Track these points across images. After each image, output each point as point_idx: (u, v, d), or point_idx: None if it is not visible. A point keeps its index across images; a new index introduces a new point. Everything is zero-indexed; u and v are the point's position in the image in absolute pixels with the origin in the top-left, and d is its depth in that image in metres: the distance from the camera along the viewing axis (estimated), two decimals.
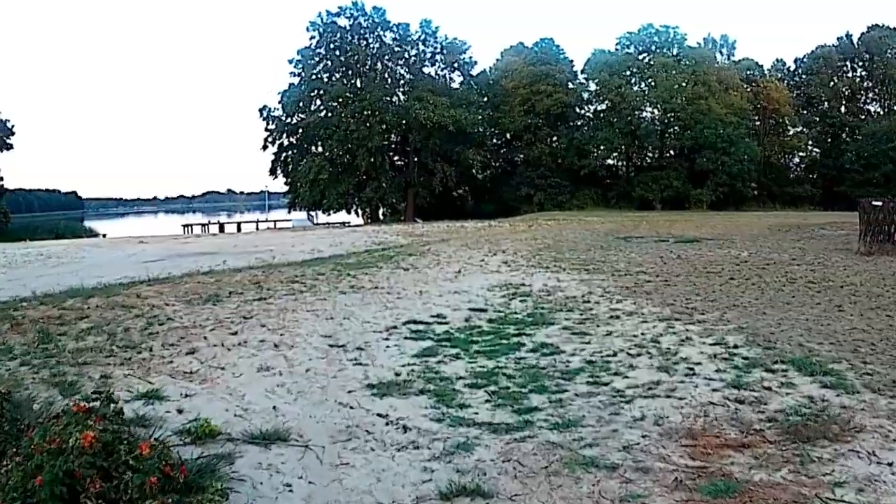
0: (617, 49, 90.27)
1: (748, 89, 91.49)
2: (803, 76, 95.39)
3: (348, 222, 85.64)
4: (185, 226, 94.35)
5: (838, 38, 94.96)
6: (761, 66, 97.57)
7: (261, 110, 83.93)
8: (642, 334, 13.00)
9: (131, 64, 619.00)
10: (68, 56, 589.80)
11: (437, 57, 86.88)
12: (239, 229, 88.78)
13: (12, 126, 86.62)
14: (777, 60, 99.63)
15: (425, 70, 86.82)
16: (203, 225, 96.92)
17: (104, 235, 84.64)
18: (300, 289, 19.31)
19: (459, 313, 15.73)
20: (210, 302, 17.31)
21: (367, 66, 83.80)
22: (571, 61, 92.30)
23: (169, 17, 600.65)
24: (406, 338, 13.32)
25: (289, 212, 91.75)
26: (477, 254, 28.33)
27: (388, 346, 12.64)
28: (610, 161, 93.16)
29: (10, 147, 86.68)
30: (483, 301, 17.34)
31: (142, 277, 22.06)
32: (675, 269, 22.57)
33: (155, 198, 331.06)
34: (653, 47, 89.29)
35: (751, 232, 39.25)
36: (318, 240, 44.01)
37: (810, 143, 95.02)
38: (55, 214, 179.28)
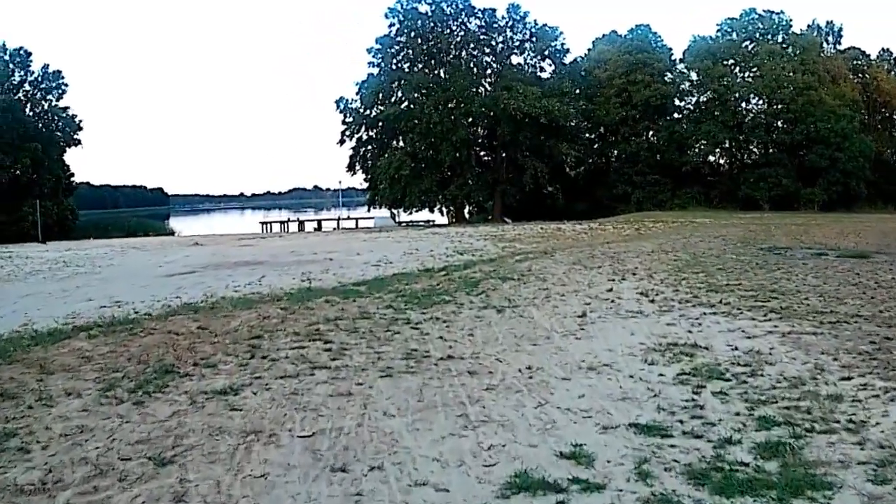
0: (718, 35, 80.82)
1: (856, 80, 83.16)
2: None
3: (433, 221, 79.29)
4: (263, 223, 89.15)
5: None
6: (868, 55, 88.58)
7: (337, 102, 76.53)
8: None
9: (218, 60, 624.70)
10: (156, 55, 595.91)
11: (527, 44, 77.45)
12: (319, 227, 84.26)
13: (80, 122, 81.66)
14: (883, 50, 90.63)
15: (513, 59, 78.48)
16: (282, 223, 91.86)
17: (173, 234, 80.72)
18: (316, 355, 10.88)
19: (620, 442, 7.09)
20: (140, 391, 9.25)
21: (451, 55, 75.39)
22: (670, 49, 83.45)
23: (256, 12, 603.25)
24: None
25: (368, 210, 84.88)
26: (598, 276, 19.53)
27: None
28: (711, 157, 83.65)
29: (78, 143, 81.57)
30: (652, 401, 8.58)
31: (122, 312, 15.87)
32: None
33: (241, 194, 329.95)
34: (756, 34, 79.85)
35: None
36: (391, 244, 37.28)
37: None
38: (141, 210, 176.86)
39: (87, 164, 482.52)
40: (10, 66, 77.12)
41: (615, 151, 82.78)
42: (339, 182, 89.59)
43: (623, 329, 12.61)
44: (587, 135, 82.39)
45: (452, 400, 8.57)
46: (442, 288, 17.61)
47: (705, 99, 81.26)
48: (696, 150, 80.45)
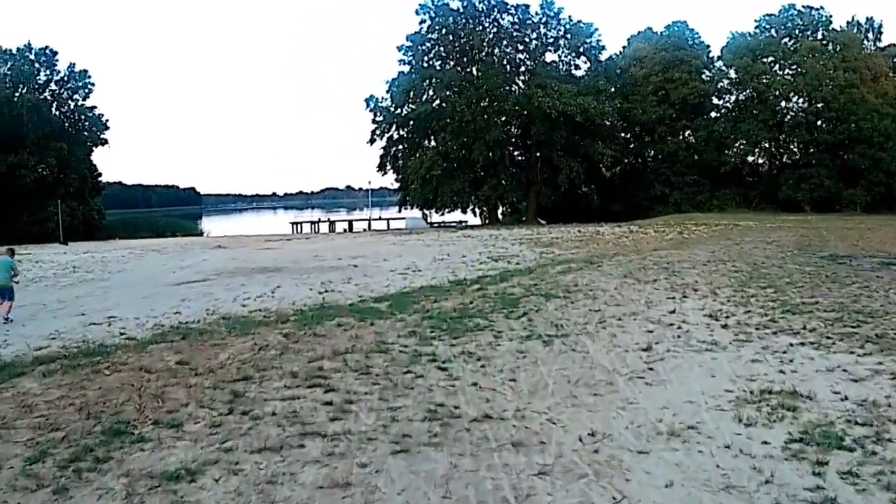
0: (756, 32, 77.11)
1: None
2: None
3: (465, 222, 76.21)
4: (293, 224, 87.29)
5: None
6: None
7: (367, 100, 72.47)
8: None
9: (254, 59, 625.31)
10: (192, 56, 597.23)
11: (561, 41, 73.84)
12: (350, 228, 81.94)
13: (107, 121, 79.00)
14: None
15: (547, 56, 74.66)
16: (312, 223, 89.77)
17: (202, 234, 78.76)
18: (312, 411, 8.26)
19: None
20: (73, 466, 7.04)
21: (484, 52, 71.60)
22: (707, 46, 79.55)
23: (292, 10, 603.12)
24: None
25: (399, 210, 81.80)
26: (655, 293, 16.83)
27: None
28: (750, 157, 79.91)
29: (105, 142, 78.99)
30: (765, 492, 6.06)
31: (103, 335, 13.76)
32: None
33: (274, 194, 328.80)
34: (795, 30, 75.90)
35: None
36: (421, 248, 35.06)
37: None
38: (173, 210, 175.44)
39: (119, 163, 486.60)
40: (36, 65, 74.97)
41: (652, 151, 79.13)
42: (369, 182, 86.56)
43: (700, 368, 10.01)
44: (623, 134, 78.82)
45: (492, 495, 5.98)
46: (475, 308, 14.98)
47: (744, 97, 77.29)
48: (735, 149, 76.06)
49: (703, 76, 77.16)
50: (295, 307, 16.36)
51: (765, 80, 72.95)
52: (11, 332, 15.02)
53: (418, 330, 12.66)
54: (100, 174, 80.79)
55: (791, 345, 11.18)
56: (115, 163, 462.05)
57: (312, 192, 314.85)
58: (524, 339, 11.81)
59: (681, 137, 77.32)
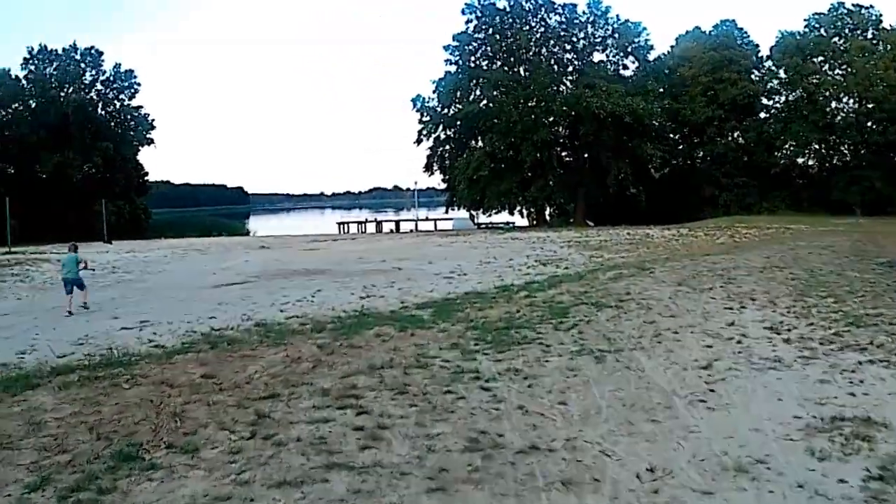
0: (805, 31, 74.97)
1: None
2: None
3: (512, 223, 74.83)
4: (340, 224, 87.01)
5: None
6: None
7: (414, 100, 72.22)
8: None
9: (300, 59, 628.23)
10: (239, 58, 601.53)
11: (609, 41, 72.42)
12: (397, 229, 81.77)
13: (153, 120, 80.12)
14: None
15: (595, 56, 72.81)
16: (359, 223, 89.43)
17: (248, 234, 78.61)
18: (341, 437, 7.46)
19: None
20: (72, 497, 6.31)
21: (531, 52, 70.49)
22: (756, 46, 77.57)
23: (341, 8, 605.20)
24: None
25: (446, 211, 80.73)
26: (711, 303, 15.81)
27: None
28: (800, 159, 78.05)
29: (151, 142, 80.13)
30: None
31: (132, 343, 13.19)
32: None
33: (322, 194, 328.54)
34: (845, 29, 73.64)
35: None
36: (467, 250, 34.26)
37: None
38: (221, 209, 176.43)
39: (167, 163, 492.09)
40: (82, 65, 75.72)
41: (701, 152, 77.74)
42: (415, 183, 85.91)
43: (765, 390, 9.05)
44: (672, 135, 77.47)
45: None
46: (523, 317, 14.10)
47: (794, 98, 75.37)
48: (785, 151, 74.83)
49: (753, 76, 75.58)
50: (334, 313, 15.68)
51: (814, 81, 71.24)
52: (40, 337, 14.46)
53: (461, 342, 11.83)
54: (146, 173, 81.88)
55: (860, 363, 10.20)
56: (162, 162, 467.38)
57: (360, 192, 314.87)
58: (575, 354, 10.89)
59: (730, 138, 75.69)
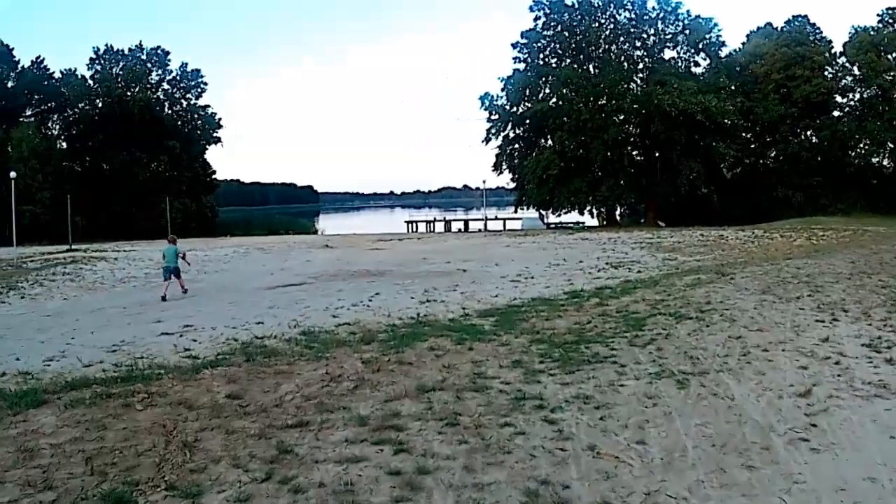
0: (879, 26, 71.50)
1: None
2: None
3: (583, 223, 73.41)
4: (408, 223, 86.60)
5: None
6: None
7: (482, 99, 70.43)
8: None
9: (372, 57, 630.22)
10: (313, 58, 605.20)
11: (680, 37, 70.60)
12: (466, 228, 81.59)
13: (219, 119, 79.94)
14: None
15: (666, 53, 71.32)
16: (428, 222, 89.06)
17: (317, 232, 78.36)
18: (372, 483, 6.11)
19: None
20: None
21: (601, 49, 69.05)
22: (829, 42, 73.94)
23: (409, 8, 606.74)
24: None
25: (515, 211, 79.66)
26: (800, 314, 14.08)
27: None
28: (875, 159, 74.64)
29: (218, 140, 79.97)
30: None
31: (167, 352, 12.32)
32: None
33: (391, 192, 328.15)
34: None
35: None
36: (536, 251, 33.20)
37: None
38: (290, 208, 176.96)
39: (237, 161, 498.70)
40: (148, 65, 76.01)
41: (773, 151, 74.39)
42: (483, 182, 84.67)
43: (873, 424, 7.54)
44: (744, 133, 74.53)
45: None
46: (594, 330, 12.63)
47: (868, 95, 72.23)
48: (859, 150, 71.66)
49: (826, 73, 71.81)
50: (388, 320, 14.49)
51: (889, 78, 67.79)
52: (75, 341, 13.76)
53: (525, 358, 10.41)
54: (213, 172, 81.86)
55: None
56: (233, 161, 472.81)
57: (430, 192, 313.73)
58: (653, 376, 9.37)
59: (803, 138, 72.75)
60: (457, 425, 7.49)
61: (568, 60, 69.43)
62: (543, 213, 73.92)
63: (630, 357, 10.46)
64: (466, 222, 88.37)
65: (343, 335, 12.89)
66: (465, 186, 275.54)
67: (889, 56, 69.14)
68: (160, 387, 9.23)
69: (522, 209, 75.41)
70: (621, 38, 69.38)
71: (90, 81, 74.35)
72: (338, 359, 10.63)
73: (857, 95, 73.63)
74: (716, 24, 70.79)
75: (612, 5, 69.05)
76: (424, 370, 9.87)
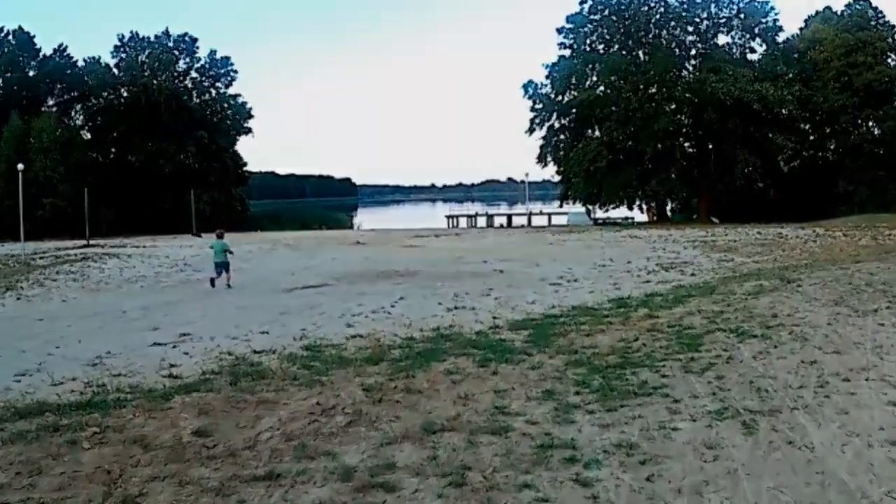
0: None
1: None
2: None
3: (632, 218, 72.03)
4: (449, 217, 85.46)
5: None
6: None
7: (525, 87, 69.38)
8: None
9: (409, 48, 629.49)
10: (348, 50, 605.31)
11: (734, 22, 68.32)
12: (509, 223, 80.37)
13: (250, 109, 78.61)
14: None
15: (719, 39, 69.38)
16: (469, 217, 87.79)
17: (352, 227, 77.59)
18: None
19: None
20: None
21: (651, 35, 67.29)
22: (893, 27, 71.38)
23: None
24: None
25: (560, 205, 77.04)
26: (883, 332, 12.28)
27: None
28: None
29: (248, 131, 78.66)
30: None
31: (145, 370, 11.04)
32: None
33: (433, 185, 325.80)
34: None
35: None
36: (580, 250, 32.10)
37: None
38: (328, 201, 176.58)
39: (272, 153, 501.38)
40: (175, 52, 74.98)
41: (833, 143, 72.50)
42: (527, 175, 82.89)
43: None
44: (802, 124, 72.71)
45: None
46: (642, 350, 11.11)
47: None
48: None
49: (889, 60, 69.83)
50: (407, 332, 13.22)
51: None
52: (58, 351, 12.82)
53: (558, 387, 8.96)
54: (244, 163, 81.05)
55: None
56: (267, 152, 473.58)
57: (472, 184, 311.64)
58: (714, 416, 7.79)
59: (864, 129, 70.61)
60: (463, 486, 6.00)
61: (616, 46, 67.69)
62: (590, 207, 71.88)
63: (685, 388, 8.92)
64: (509, 217, 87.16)
65: (350, 351, 11.62)
66: (510, 179, 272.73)
67: None
68: (118, 419, 7.98)
69: (568, 203, 73.53)
70: (672, 23, 67.41)
71: (114, 70, 73.70)
72: (335, 384, 9.30)
73: None
74: (772, 8, 68.67)
75: None
76: (436, 402, 8.48)
